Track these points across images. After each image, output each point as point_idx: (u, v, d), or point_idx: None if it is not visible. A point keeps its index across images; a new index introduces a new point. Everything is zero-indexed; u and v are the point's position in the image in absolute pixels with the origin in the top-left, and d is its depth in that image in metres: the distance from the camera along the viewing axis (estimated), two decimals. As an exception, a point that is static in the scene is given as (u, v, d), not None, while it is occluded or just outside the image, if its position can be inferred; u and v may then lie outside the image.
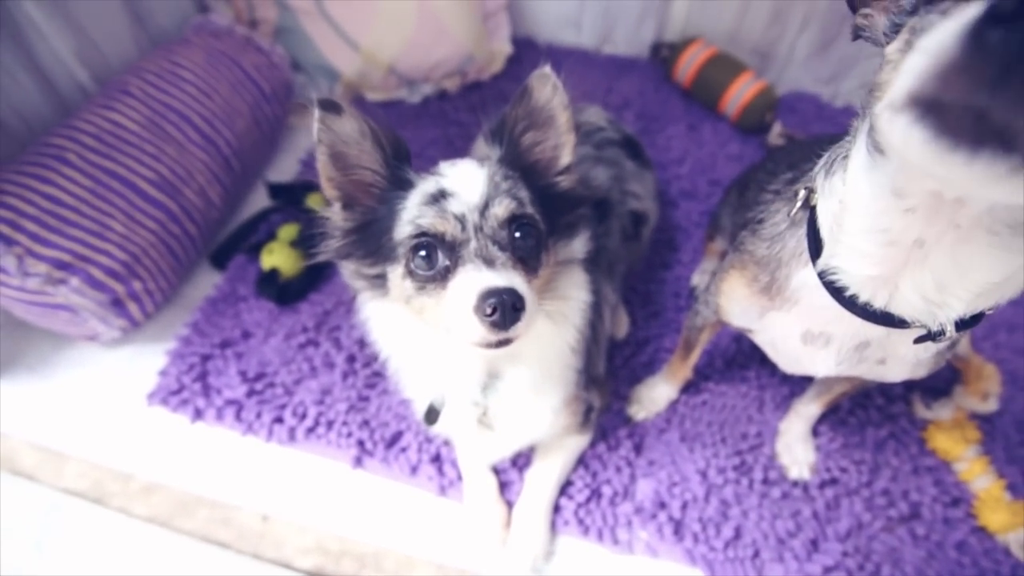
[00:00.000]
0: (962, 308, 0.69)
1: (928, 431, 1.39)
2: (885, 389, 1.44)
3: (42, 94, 1.53)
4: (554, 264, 0.92)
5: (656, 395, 1.37)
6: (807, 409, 1.29)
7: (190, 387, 1.37)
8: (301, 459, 1.32)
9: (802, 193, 0.79)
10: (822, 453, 1.34)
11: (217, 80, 1.60)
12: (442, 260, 0.81)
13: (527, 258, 0.84)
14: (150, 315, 1.48)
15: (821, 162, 0.80)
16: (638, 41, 2.22)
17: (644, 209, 1.41)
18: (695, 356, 1.26)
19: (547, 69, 0.85)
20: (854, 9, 0.71)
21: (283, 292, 1.50)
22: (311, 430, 1.31)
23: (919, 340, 0.76)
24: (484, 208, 0.82)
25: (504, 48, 2.11)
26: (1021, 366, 1.54)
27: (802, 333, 0.87)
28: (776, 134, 1.93)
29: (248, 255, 1.60)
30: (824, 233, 0.75)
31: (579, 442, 1.26)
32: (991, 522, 1.26)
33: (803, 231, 0.80)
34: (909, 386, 1.46)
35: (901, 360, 0.85)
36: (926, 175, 0.56)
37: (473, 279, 0.78)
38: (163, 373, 1.40)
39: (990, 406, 1.41)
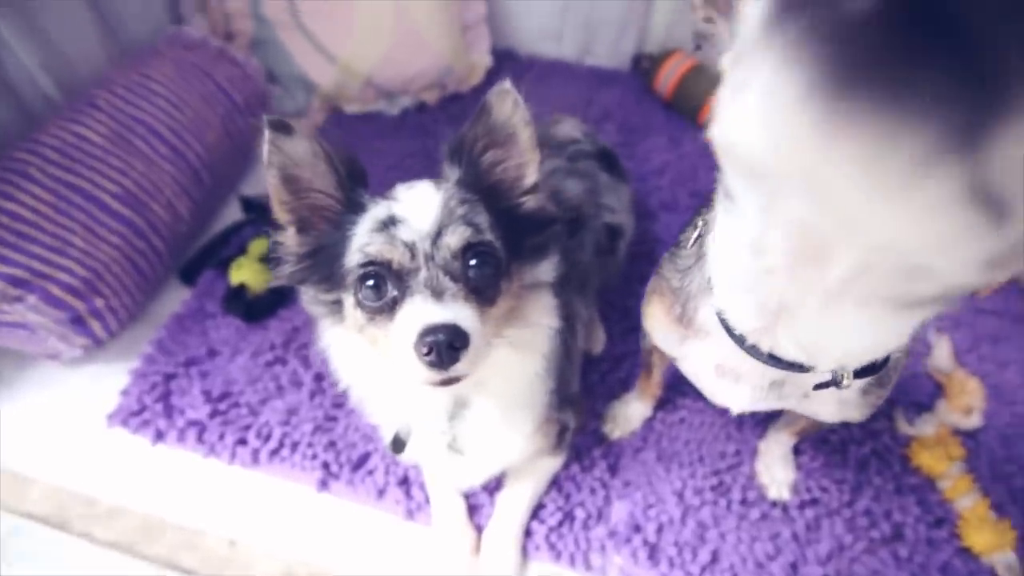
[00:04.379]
0: (837, 365, 0.66)
1: (911, 448, 1.35)
2: (867, 405, 1.41)
3: (7, 107, 1.49)
4: (519, 289, 0.89)
5: (630, 413, 1.33)
6: (778, 436, 1.25)
7: (152, 408, 1.33)
8: (266, 482, 1.28)
9: (700, 224, 0.75)
10: (803, 472, 1.31)
11: (188, 92, 1.58)
12: (391, 290, 0.78)
13: (483, 288, 0.80)
14: (114, 333, 1.44)
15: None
16: (619, 52, 2.21)
17: (619, 223, 1.38)
18: (656, 376, 1.23)
19: (507, 84, 0.82)
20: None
21: (251, 308, 1.46)
22: (275, 452, 1.27)
23: (819, 387, 0.72)
24: (437, 236, 0.78)
25: (484, 60, 2.10)
26: (1005, 379, 1.51)
27: (715, 366, 0.83)
28: (757, 145, 1.91)
29: (218, 270, 1.57)
30: (711, 275, 0.71)
31: (552, 464, 1.23)
32: (976, 542, 1.22)
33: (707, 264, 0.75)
34: (892, 401, 1.43)
35: (826, 399, 0.81)
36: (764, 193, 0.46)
37: (416, 313, 0.74)
38: (125, 393, 1.36)
39: (973, 422, 1.38)
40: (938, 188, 0.28)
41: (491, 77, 2.14)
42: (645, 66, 2.12)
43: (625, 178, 1.47)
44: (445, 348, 0.71)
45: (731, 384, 0.84)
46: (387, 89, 1.96)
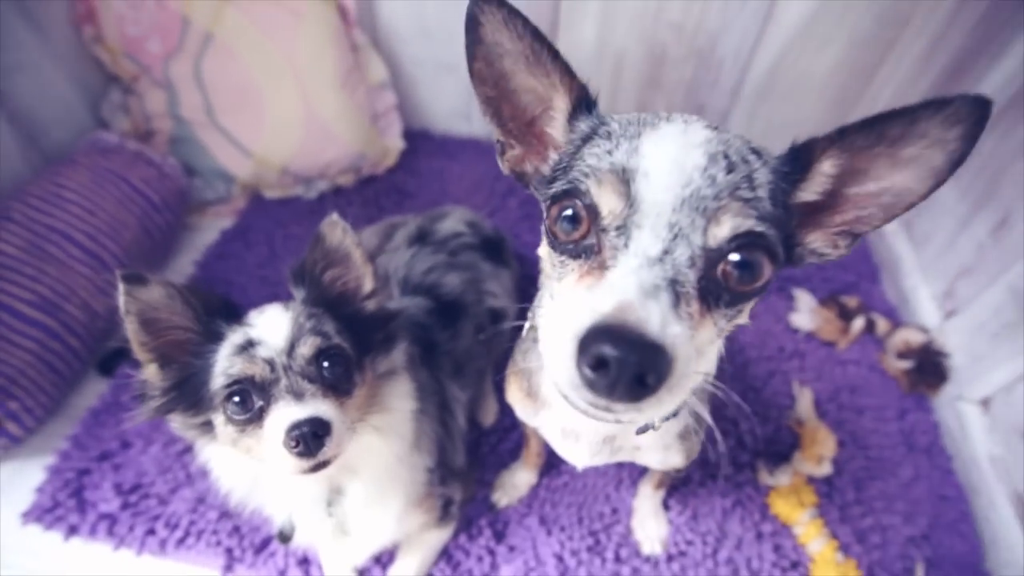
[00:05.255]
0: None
1: (770, 497, 1.51)
2: (733, 457, 1.56)
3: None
4: (375, 378, 1.03)
5: (517, 481, 1.46)
6: (645, 490, 1.39)
7: (65, 503, 1.40)
8: (175, 568, 1.36)
9: (532, 312, 0.90)
10: (673, 526, 1.45)
11: (102, 198, 1.69)
12: (256, 402, 0.90)
13: (338, 383, 0.94)
14: (32, 429, 1.51)
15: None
16: (524, 130, 2.39)
17: (501, 306, 1.52)
18: (534, 446, 1.36)
19: (335, 216, 0.99)
20: (502, 149, 0.80)
21: (163, 401, 1.55)
22: (181, 541, 1.35)
23: (640, 431, 0.87)
24: (291, 349, 0.91)
25: (396, 144, 2.26)
26: (861, 426, 1.69)
27: (561, 430, 0.98)
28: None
29: (136, 362, 1.65)
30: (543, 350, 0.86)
31: (439, 536, 1.34)
32: (823, 583, 1.37)
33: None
34: (755, 453, 1.58)
35: (652, 448, 0.97)
36: None
37: (281, 415, 0.88)
38: (39, 490, 1.43)
39: (824, 470, 1.54)
40: None
41: (406, 157, 2.31)
42: (547, 142, 2.31)
43: (509, 263, 1.62)
44: (310, 437, 0.85)
45: (573, 444, 1.00)
46: (303, 176, 2.10)
